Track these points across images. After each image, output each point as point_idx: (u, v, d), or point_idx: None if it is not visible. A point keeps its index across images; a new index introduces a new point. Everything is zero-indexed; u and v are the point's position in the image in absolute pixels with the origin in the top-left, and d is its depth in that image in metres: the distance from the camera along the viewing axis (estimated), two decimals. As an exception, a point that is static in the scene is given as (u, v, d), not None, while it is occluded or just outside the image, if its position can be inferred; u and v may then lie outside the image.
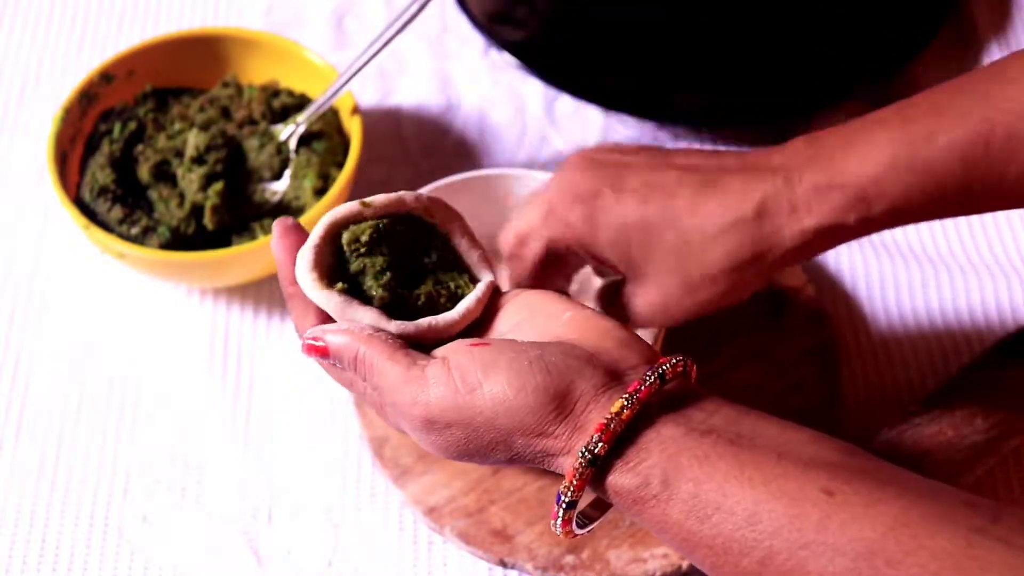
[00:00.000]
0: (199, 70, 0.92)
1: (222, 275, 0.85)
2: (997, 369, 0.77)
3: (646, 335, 0.77)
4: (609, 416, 0.51)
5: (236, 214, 0.85)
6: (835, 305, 0.88)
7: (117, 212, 0.84)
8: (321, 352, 0.56)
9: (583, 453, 0.51)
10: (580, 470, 0.51)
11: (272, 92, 0.90)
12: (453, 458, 0.55)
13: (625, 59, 1.00)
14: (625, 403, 0.51)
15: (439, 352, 0.55)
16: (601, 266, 0.68)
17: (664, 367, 0.52)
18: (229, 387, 0.84)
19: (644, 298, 0.66)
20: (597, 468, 0.51)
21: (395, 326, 0.56)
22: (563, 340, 0.54)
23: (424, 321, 0.57)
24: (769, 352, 0.84)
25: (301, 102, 0.90)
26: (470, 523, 0.76)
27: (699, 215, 0.63)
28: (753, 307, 0.86)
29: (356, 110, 0.87)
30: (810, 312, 0.86)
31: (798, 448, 0.50)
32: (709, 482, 0.50)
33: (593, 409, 0.52)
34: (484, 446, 0.53)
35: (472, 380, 0.52)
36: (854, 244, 0.90)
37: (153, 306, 0.88)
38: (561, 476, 0.53)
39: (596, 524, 0.55)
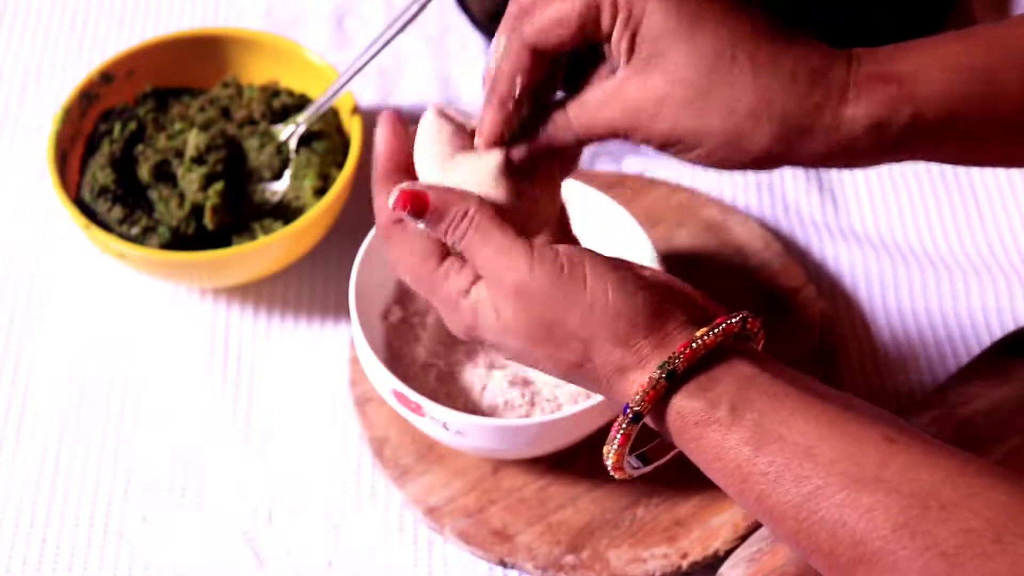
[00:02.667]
0: (199, 70, 0.92)
1: (222, 275, 0.85)
2: (996, 369, 0.77)
3: None
4: (693, 338, 0.52)
5: (236, 214, 0.85)
6: (835, 305, 0.88)
7: (117, 212, 0.84)
8: (420, 202, 0.55)
9: (663, 366, 0.51)
10: (656, 381, 0.52)
11: (272, 92, 0.90)
12: (518, 343, 0.54)
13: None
14: (710, 330, 0.52)
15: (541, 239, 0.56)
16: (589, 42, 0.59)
17: (746, 314, 0.54)
18: (229, 387, 0.84)
19: (639, 82, 0.56)
20: (672, 386, 0.52)
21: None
22: (667, 276, 0.56)
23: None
24: (769, 352, 0.84)
25: (301, 102, 0.90)
26: (470, 523, 0.76)
27: (759, 36, 0.56)
28: (753, 307, 0.86)
29: (356, 110, 0.87)
30: (810, 312, 0.86)
31: (858, 405, 0.51)
32: (774, 413, 0.51)
33: (679, 336, 0.53)
34: (562, 337, 0.53)
35: (579, 270, 0.53)
36: (853, 244, 0.90)
37: (153, 306, 0.88)
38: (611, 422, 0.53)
39: (647, 469, 0.56)
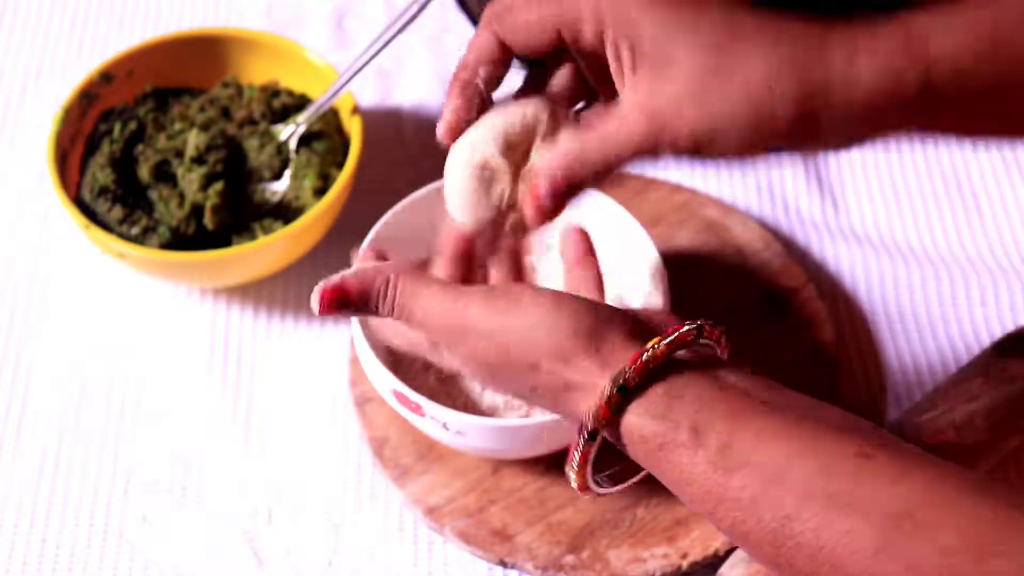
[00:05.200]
0: (199, 70, 0.92)
1: (222, 275, 0.85)
2: (997, 369, 0.77)
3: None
4: (643, 349, 0.51)
5: (236, 214, 0.85)
6: (835, 305, 0.88)
7: (117, 212, 0.84)
8: (342, 293, 0.56)
9: (614, 379, 0.50)
10: (608, 396, 0.50)
11: (272, 92, 0.90)
12: (479, 374, 0.55)
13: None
14: (660, 340, 0.51)
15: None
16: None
17: (702, 322, 0.52)
18: (229, 387, 0.84)
19: (655, 88, 0.54)
20: (624, 399, 0.51)
21: None
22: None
23: None
24: (769, 352, 0.84)
25: (301, 102, 0.90)
26: (470, 523, 0.76)
27: (757, 16, 0.55)
28: (753, 307, 0.86)
29: (356, 110, 0.87)
30: (810, 312, 0.86)
31: (833, 417, 0.50)
32: (740, 435, 0.49)
33: (626, 349, 0.52)
34: (509, 365, 0.53)
35: (513, 297, 0.53)
36: (853, 244, 0.90)
37: (153, 306, 0.88)
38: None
39: (614, 490, 0.55)
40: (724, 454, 0.49)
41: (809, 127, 0.54)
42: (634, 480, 0.56)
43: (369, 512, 0.79)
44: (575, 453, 0.52)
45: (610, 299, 0.81)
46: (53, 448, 0.81)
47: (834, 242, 0.91)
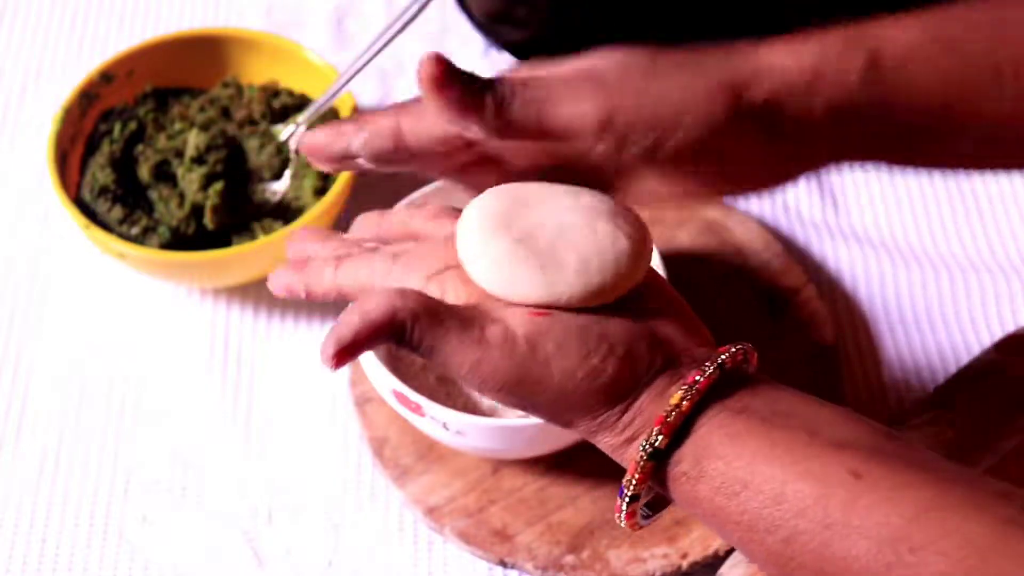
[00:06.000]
0: (199, 70, 0.92)
1: (222, 275, 0.85)
2: (997, 369, 0.77)
3: None
4: (669, 408, 0.50)
5: (236, 214, 0.85)
6: (835, 305, 0.88)
7: (117, 212, 0.84)
8: (366, 335, 0.50)
9: (644, 447, 0.50)
10: (641, 464, 0.51)
11: (272, 92, 0.90)
12: (501, 398, 0.52)
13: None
14: (684, 395, 0.50)
15: (490, 313, 0.51)
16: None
17: (724, 356, 0.51)
18: (229, 387, 0.84)
19: (591, 62, 0.54)
20: (658, 462, 0.51)
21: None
22: (624, 320, 0.52)
23: None
24: (769, 352, 0.84)
25: (301, 102, 0.90)
26: (470, 523, 0.76)
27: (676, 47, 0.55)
28: (753, 307, 0.86)
29: (356, 110, 0.87)
30: (810, 312, 0.86)
31: (830, 427, 0.50)
32: (738, 460, 0.49)
33: (646, 397, 0.51)
34: (546, 406, 0.52)
35: (541, 353, 0.50)
36: (853, 244, 0.90)
37: (153, 306, 0.88)
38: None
39: (659, 516, 0.55)
40: (723, 480, 0.50)
41: (759, 119, 0.54)
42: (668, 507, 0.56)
43: (369, 512, 0.79)
44: (621, 513, 0.52)
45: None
46: (53, 448, 0.81)
47: (834, 242, 0.91)
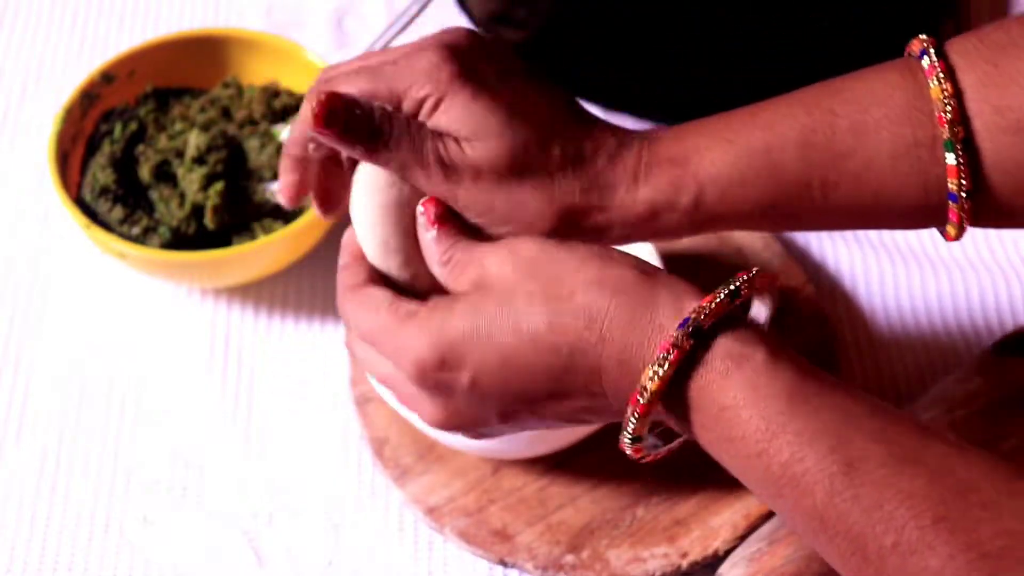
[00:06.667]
0: (200, 71, 0.92)
1: (222, 275, 0.85)
2: (996, 369, 0.77)
3: None
4: (717, 293, 0.49)
5: (237, 214, 0.85)
6: (835, 305, 0.88)
7: (118, 212, 0.84)
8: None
9: (685, 324, 0.48)
10: (680, 341, 0.48)
11: (272, 92, 0.90)
12: (490, 418, 0.54)
13: (626, 58, 1.00)
14: (734, 281, 0.50)
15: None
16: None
17: (757, 269, 0.52)
18: (229, 387, 0.84)
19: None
20: (695, 348, 0.49)
21: None
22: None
23: None
24: (769, 352, 0.84)
25: (301, 103, 0.90)
26: (470, 523, 0.76)
27: (563, 122, 0.58)
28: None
29: (356, 110, 0.87)
30: (810, 312, 0.86)
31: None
32: (805, 384, 0.48)
33: (676, 319, 0.50)
34: (531, 375, 0.51)
35: (523, 271, 0.53)
36: (853, 244, 0.90)
37: (153, 306, 0.88)
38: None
39: (663, 451, 0.53)
40: (794, 388, 0.48)
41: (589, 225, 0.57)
42: (682, 440, 0.53)
43: (369, 512, 0.79)
44: (631, 419, 0.50)
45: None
46: (53, 448, 0.81)
47: (834, 242, 0.91)
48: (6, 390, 0.84)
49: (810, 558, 0.69)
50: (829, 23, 1.03)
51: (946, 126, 0.54)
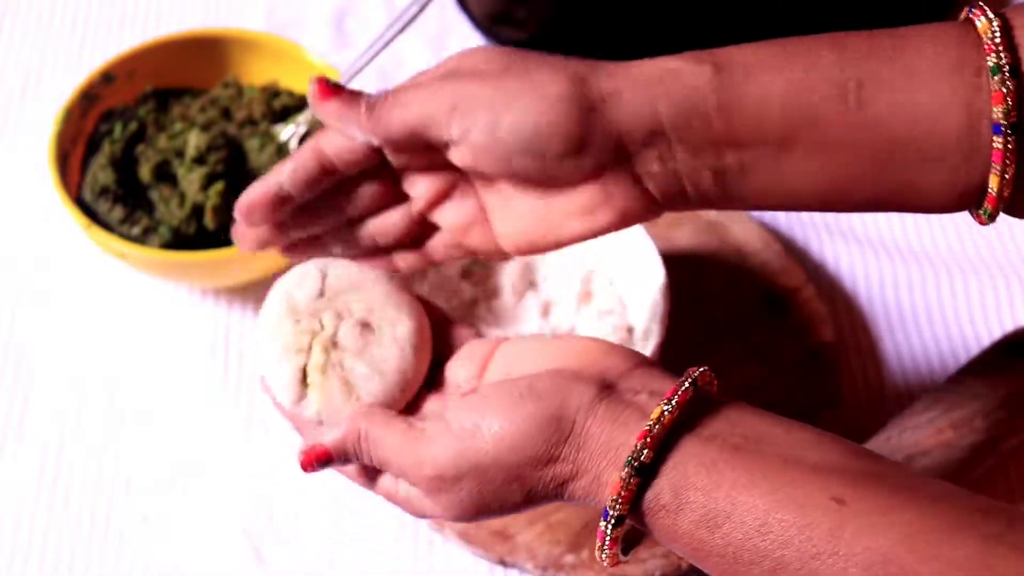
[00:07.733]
0: (200, 71, 0.92)
1: (222, 275, 0.85)
2: (996, 369, 0.77)
3: (649, 346, 0.77)
4: (651, 422, 0.50)
5: (236, 214, 0.85)
6: (835, 305, 0.88)
7: (118, 212, 0.84)
8: (322, 456, 0.56)
9: (629, 461, 0.50)
10: (627, 481, 0.50)
11: (273, 93, 0.90)
12: (472, 516, 0.54)
13: (626, 59, 1.00)
14: (666, 408, 0.50)
15: (431, 410, 0.57)
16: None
17: (695, 375, 0.51)
18: (229, 387, 0.84)
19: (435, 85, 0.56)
20: (643, 480, 0.50)
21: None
22: (548, 369, 0.54)
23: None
24: (769, 352, 0.84)
25: (301, 103, 0.90)
26: (470, 523, 0.76)
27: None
28: (753, 307, 0.86)
29: (356, 110, 0.87)
30: (810, 312, 0.86)
31: (804, 451, 0.49)
32: (717, 491, 0.49)
33: (592, 423, 0.51)
34: (498, 489, 0.53)
35: (469, 425, 0.52)
36: (853, 243, 0.90)
37: (153, 306, 0.88)
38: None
39: (631, 554, 0.54)
40: (704, 513, 0.49)
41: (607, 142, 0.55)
42: (645, 540, 0.56)
43: (370, 512, 0.79)
44: (604, 540, 0.52)
45: (603, 307, 0.81)
46: (53, 448, 0.81)
47: (834, 242, 0.91)
48: (6, 390, 0.84)
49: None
50: (832, 27, 1.02)
51: (993, 53, 0.52)
